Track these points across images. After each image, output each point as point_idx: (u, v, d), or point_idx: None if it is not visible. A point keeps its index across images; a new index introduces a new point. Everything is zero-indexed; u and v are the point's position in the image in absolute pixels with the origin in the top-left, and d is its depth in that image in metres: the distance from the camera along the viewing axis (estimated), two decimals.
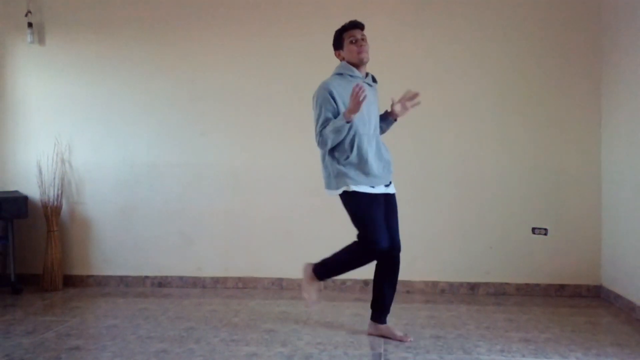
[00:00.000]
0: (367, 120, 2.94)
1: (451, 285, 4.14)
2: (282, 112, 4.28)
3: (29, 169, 4.49)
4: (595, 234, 3.99)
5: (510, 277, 4.08)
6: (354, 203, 2.94)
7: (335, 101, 2.88)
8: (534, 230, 4.06)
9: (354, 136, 2.88)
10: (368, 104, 2.89)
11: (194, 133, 4.36)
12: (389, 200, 3.05)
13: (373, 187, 2.95)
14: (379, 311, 3.10)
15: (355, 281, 4.21)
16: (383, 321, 3.09)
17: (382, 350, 2.85)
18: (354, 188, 2.89)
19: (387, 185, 3.04)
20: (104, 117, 4.45)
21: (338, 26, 4.16)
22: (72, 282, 4.47)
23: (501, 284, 4.09)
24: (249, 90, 4.31)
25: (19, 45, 4.51)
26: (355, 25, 3.03)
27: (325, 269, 3.09)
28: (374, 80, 3.10)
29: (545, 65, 4.04)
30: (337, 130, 2.81)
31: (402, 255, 4.29)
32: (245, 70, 4.30)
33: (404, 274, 4.13)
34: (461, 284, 4.11)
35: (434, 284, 4.15)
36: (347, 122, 2.78)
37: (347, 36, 2.99)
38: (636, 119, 3.43)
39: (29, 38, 4.44)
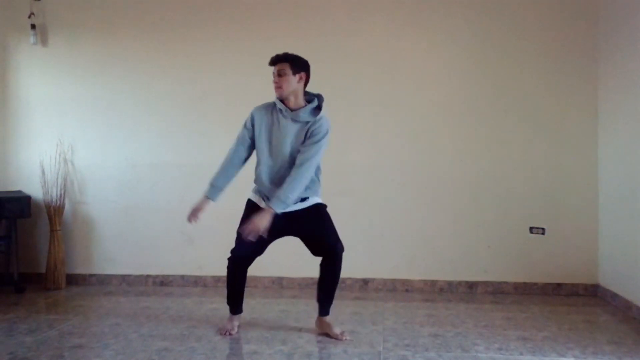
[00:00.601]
0: (272, 152, 2.98)
1: (450, 284, 4.14)
2: None
3: (31, 169, 4.49)
4: (593, 233, 3.99)
5: (508, 276, 4.09)
6: (245, 208, 3.19)
7: (252, 125, 3.05)
8: (531, 229, 4.06)
9: (258, 164, 3.07)
10: (282, 137, 2.94)
11: (195, 134, 4.36)
12: (302, 216, 3.07)
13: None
14: (319, 303, 3.15)
15: (355, 280, 4.21)
16: (322, 313, 3.12)
17: (381, 349, 2.85)
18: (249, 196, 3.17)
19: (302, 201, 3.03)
20: (106, 118, 4.45)
21: (338, 28, 4.21)
22: (75, 280, 4.47)
23: (499, 282, 4.09)
24: (250, 91, 4.29)
25: (22, 46, 4.51)
26: (271, 62, 3.01)
27: (227, 298, 3.19)
28: (314, 114, 2.96)
29: (543, 66, 4.04)
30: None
31: (401, 254, 4.33)
32: (245, 71, 4.30)
33: (403, 273, 4.18)
34: (460, 283, 4.12)
35: (433, 282, 4.15)
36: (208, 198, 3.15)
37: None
38: (633, 120, 3.44)
39: (31, 39, 4.44)
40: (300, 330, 3.18)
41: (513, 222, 4.08)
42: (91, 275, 4.48)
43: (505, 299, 3.92)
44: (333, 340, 2.99)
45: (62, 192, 4.43)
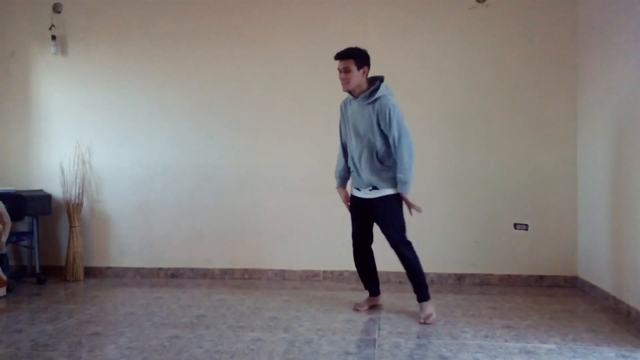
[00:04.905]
0: (350, 137, 3.16)
1: (440, 276, 4.13)
2: (284, 117, 4.28)
3: (52, 169, 4.49)
4: (572, 229, 3.99)
5: (494, 269, 4.08)
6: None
7: (341, 118, 3.28)
8: (515, 225, 4.06)
9: (348, 146, 3.25)
10: (355, 123, 3.10)
11: (203, 137, 4.36)
12: (374, 204, 3.15)
13: (358, 189, 3.22)
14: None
15: (352, 272, 4.19)
16: (417, 300, 3.23)
17: (376, 336, 2.85)
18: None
19: (370, 190, 3.14)
20: (121, 122, 4.45)
21: (336, 38, 4.17)
22: (92, 273, 4.47)
23: (486, 275, 4.09)
24: (254, 97, 4.31)
25: (43, 56, 4.51)
26: (337, 57, 3.09)
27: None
28: (371, 96, 3.05)
29: (525, 73, 4.03)
30: None
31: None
32: (250, 78, 4.30)
33: (397, 266, 4.13)
34: (449, 275, 4.11)
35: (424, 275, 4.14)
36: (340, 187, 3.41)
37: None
38: (609, 122, 3.43)
39: (52, 49, 4.44)
40: (301, 319, 3.17)
41: (498, 219, 4.07)
42: (107, 268, 4.48)
43: (491, 290, 3.92)
44: (331, 328, 2.99)
45: (81, 191, 4.43)
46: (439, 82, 4.14)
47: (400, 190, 3.03)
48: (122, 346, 2.71)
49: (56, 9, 4.45)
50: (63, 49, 4.50)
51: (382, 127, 3.02)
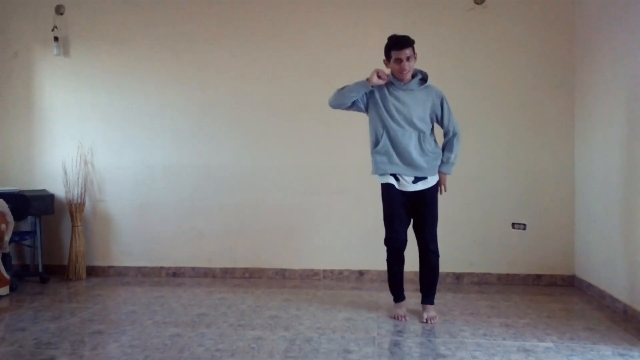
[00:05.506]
0: (395, 120, 3.00)
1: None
2: (284, 118, 4.28)
3: (55, 169, 4.50)
4: (569, 228, 4.00)
5: (492, 268, 4.09)
6: (382, 192, 3.10)
7: (367, 95, 3.07)
8: (513, 225, 4.06)
9: (383, 127, 3.02)
10: (401, 106, 2.99)
11: (204, 137, 4.37)
12: (418, 197, 3.06)
13: (398, 180, 3.03)
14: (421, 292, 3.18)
15: (351, 271, 4.21)
16: (423, 301, 3.15)
17: (375, 334, 2.85)
18: (381, 180, 3.07)
19: (414, 182, 3.04)
20: (123, 123, 4.45)
21: (337, 40, 4.20)
22: (95, 272, 4.47)
23: (484, 274, 4.09)
24: (255, 97, 4.32)
25: (46, 57, 4.51)
26: (403, 46, 2.93)
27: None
28: (423, 82, 3.06)
29: (524, 74, 4.04)
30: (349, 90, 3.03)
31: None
32: (251, 80, 4.30)
33: None
34: (447, 274, 4.12)
35: None
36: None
37: (394, 54, 2.97)
38: (606, 124, 3.44)
39: (55, 51, 4.44)
40: (301, 317, 3.18)
41: (497, 219, 4.08)
42: (109, 267, 4.49)
43: (489, 289, 3.92)
44: (331, 326, 2.99)
45: (83, 190, 4.44)
46: (438, 83, 4.09)
47: (444, 169, 3.09)
48: (124, 344, 2.71)
49: (59, 10, 4.46)
50: (65, 50, 4.51)
51: (436, 113, 3.06)
